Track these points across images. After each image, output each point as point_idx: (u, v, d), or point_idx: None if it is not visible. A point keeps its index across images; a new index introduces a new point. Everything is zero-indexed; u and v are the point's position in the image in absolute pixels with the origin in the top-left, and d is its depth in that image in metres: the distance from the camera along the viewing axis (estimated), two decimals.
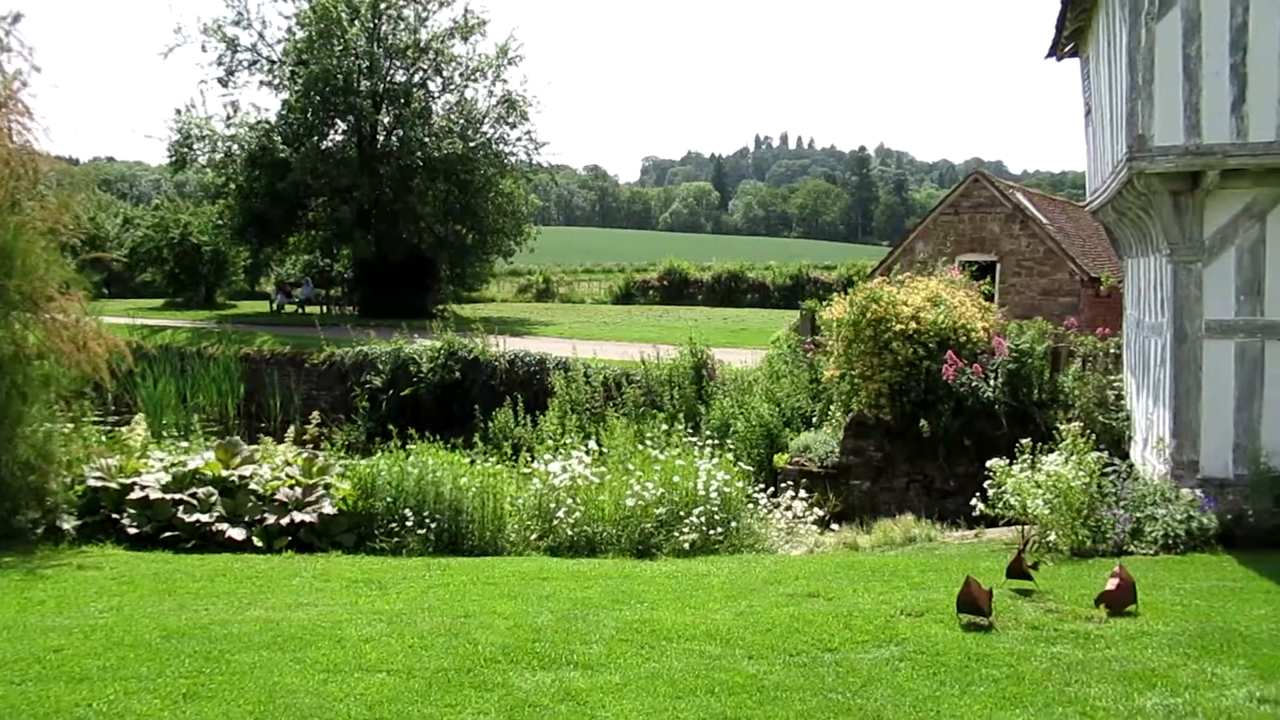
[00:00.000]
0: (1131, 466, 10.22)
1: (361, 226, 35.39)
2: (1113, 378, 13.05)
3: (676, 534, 8.97)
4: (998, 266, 23.75)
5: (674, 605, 6.63)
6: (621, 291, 48.22)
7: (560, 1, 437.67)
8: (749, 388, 16.96)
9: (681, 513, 9.09)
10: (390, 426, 12.93)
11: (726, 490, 9.33)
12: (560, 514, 9.20)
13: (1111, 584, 6.30)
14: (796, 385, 16.56)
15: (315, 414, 13.95)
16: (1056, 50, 13.12)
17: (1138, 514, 8.72)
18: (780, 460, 14.24)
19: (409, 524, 9.14)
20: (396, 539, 9.18)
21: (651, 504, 9.08)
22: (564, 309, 43.22)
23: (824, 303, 15.18)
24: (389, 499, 9.39)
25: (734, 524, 9.31)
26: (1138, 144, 8.99)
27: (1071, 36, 12.71)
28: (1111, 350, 13.69)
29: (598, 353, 20.28)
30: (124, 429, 11.24)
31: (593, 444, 10.38)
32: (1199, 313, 9.18)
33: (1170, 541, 8.42)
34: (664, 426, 13.58)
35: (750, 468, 11.15)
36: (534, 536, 9.38)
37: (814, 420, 15.57)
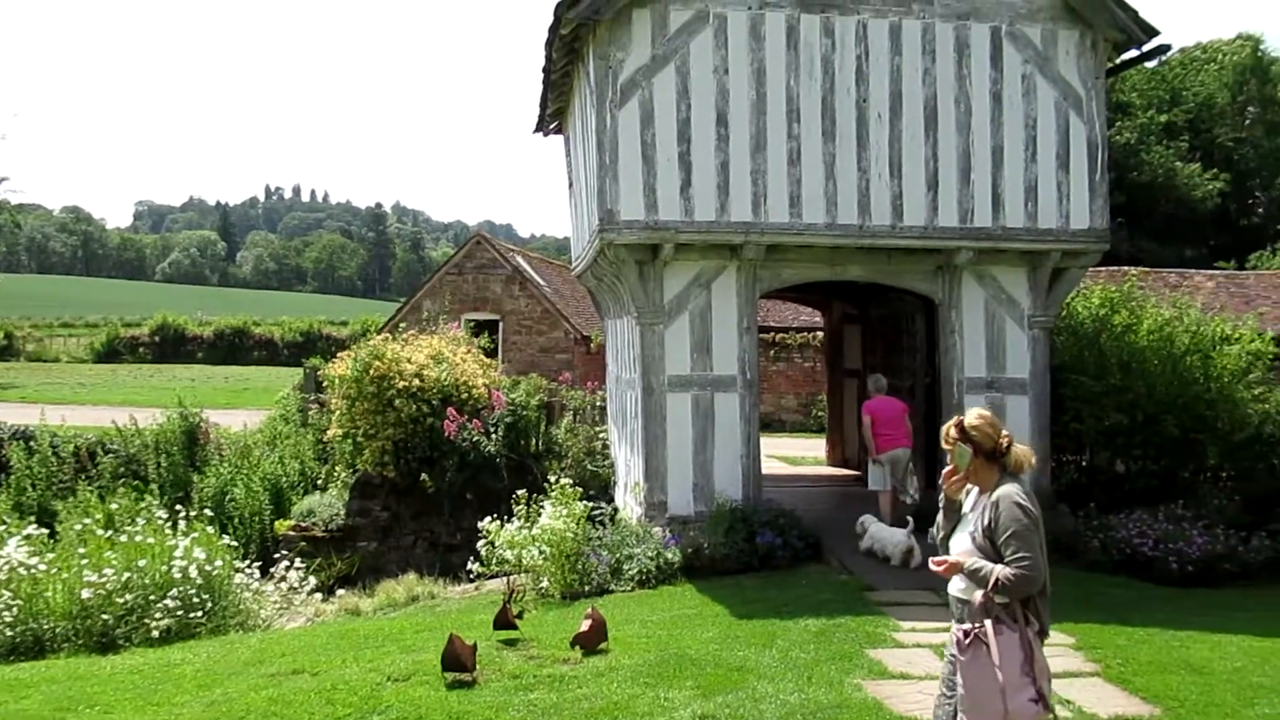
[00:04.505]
0: (616, 510, 11.12)
1: None
2: (600, 429, 14.20)
3: (148, 621, 8.03)
4: (500, 325, 24.94)
5: (133, 705, 5.89)
6: (105, 348, 43.21)
7: (39, 32, 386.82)
8: (249, 451, 15.92)
9: (153, 597, 8.17)
10: None
11: (208, 568, 8.56)
12: None
13: (584, 625, 6.73)
14: (301, 446, 15.89)
15: None
16: (542, 127, 14.14)
17: (618, 554, 9.46)
18: (283, 527, 13.50)
19: None
20: None
21: (115, 591, 8.05)
22: (31, 369, 37.59)
23: (331, 360, 14.77)
24: None
25: (219, 603, 8.57)
26: (607, 218, 9.93)
27: (555, 115, 13.77)
28: (598, 403, 14.92)
29: (68, 419, 17.83)
30: None
31: (38, 529, 8.98)
32: (663, 369, 10.31)
33: (644, 577, 9.23)
34: (147, 500, 12.22)
35: (236, 543, 10.34)
36: None
37: (321, 483, 15.02)
